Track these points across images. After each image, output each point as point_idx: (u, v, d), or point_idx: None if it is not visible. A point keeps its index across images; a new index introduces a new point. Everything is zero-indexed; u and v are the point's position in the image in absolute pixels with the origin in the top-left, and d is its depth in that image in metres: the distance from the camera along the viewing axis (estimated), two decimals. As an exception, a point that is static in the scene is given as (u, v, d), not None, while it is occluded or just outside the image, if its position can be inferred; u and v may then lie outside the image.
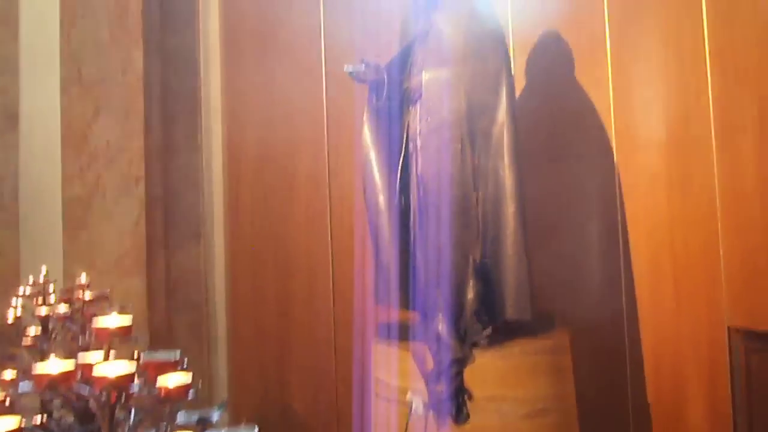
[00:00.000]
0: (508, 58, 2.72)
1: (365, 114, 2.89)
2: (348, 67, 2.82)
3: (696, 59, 2.81)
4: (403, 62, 2.86)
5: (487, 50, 2.65)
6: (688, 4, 2.86)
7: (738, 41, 2.64)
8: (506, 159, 2.59)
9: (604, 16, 3.23)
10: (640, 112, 3.12)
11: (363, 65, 2.80)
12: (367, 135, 2.87)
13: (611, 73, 3.21)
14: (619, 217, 3.20)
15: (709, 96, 2.76)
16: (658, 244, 3.05)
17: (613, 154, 3.21)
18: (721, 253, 2.77)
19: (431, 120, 2.67)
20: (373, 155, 2.85)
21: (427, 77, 2.69)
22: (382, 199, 2.79)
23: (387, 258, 2.77)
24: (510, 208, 2.59)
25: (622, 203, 3.19)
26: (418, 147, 2.73)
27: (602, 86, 3.24)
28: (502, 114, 2.60)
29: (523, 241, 2.57)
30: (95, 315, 1.72)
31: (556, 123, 3.36)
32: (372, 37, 3.72)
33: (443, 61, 2.67)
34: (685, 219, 2.93)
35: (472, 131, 2.62)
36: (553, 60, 3.35)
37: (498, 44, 2.68)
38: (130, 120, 3.36)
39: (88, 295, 2.41)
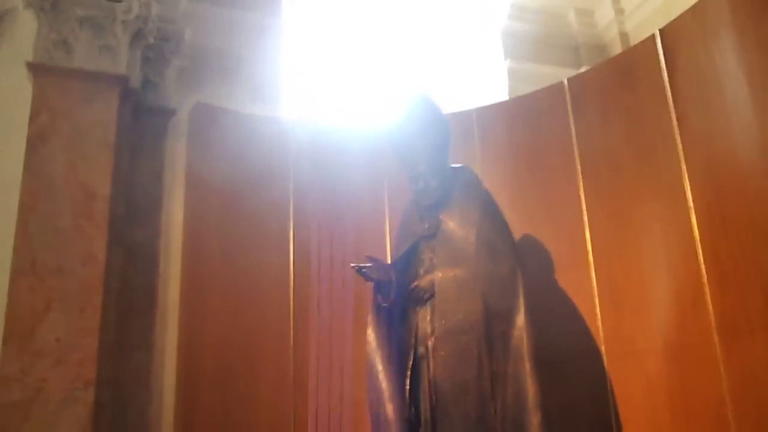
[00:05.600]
0: (520, 259, 2.70)
1: (370, 315, 2.73)
2: (355, 265, 2.69)
3: (688, 264, 2.91)
4: (407, 262, 2.78)
5: (500, 251, 2.64)
6: (676, 209, 2.99)
7: (734, 244, 2.77)
8: (527, 365, 2.47)
9: (584, 224, 3.36)
10: (629, 318, 3.14)
11: (370, 263, 2.69)
12: (372, 338, 2.68)
13: (596, 279, 3.27)
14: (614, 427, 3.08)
15: (707, 300, 2.81)
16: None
17: (603, 359, 3.17)
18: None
19: (446, 322, 2.54)
20: (378, 360, 2.64)
21: (441, 277, 2.60)
22: (390, 408, 2.53)
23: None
24: (535, 419, 2.42)
25: (616, 409, 3.08)
26: (431, 350, 2.56)
27: (586, 291, 3.28)
28: (521, 317, 2.53)
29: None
30: None
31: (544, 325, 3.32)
32: (341, 229, 3.70)
33: (456, 261, 2.62)
34: (690, 422, 2.84)
35: (490, 335, 2.51)
36: (537, 264, 3.39)
37: (510, 245, 2.68)
38: (85, 315, 2.96)
39: None
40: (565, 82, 3.59)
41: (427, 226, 2.75)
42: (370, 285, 2.86)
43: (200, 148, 3.75)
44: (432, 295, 2.61)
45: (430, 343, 2.56)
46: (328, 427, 3.24)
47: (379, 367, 2.62)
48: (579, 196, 3.41)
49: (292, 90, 4.33)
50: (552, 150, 3.55)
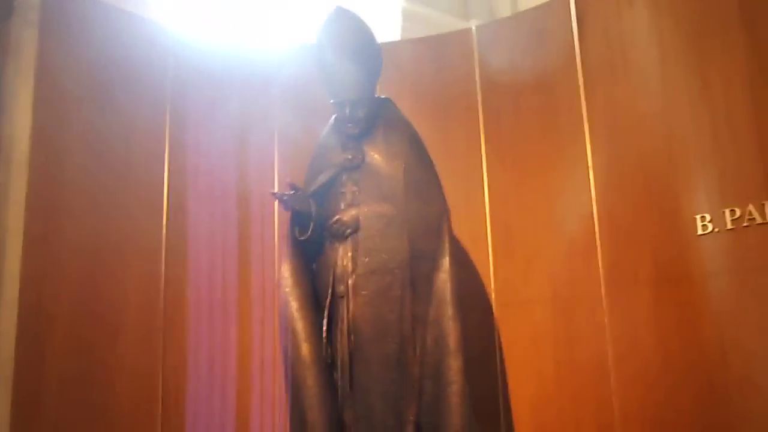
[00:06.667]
0: (446, 201, 2.59)
1: (287, 249, 2.47)
2: (275, 191, 2.41)
3: (583, 219, 3.02)
4: (326, 193, 2.55)
5: (428, 191, 2.51)
6: (575, 165, 3.07)
7: (628, 203, 2.93)
8: (450, 309, 2.38)
9: (482, 172, 3.34)
10: (520, 268, 3.20)
11: (292, 191, 2.42)
12: (288, 274, 2.44)
13: (490, 228, 3.29)
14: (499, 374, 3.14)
15: (598, 254, 2.95)
16: (544, 400, 3.04)
17: (492, 306, 3.20)
18: (615, 407, 2.84)
19: (370, 260, 2.37)
20: (293, 298, 2.41)
21: (366, 212, 2.42)
22: (307, 349, 2.32)
23: (313, 418, 2.27)
24: (455, 362, 2.34)
25: (501, 357, 3.14)
26: (351, 289, 2.38)
27: (480, 239, 3.28)
28: (446, 260, 2.43)
29: (470, 401, 2.33)
30: None
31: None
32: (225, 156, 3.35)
33: (383, 196, 2.44)
34: (573, 371, 2.98)
35: (414, 276, 2.38)
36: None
37: (438, 185, 2.56)
38: None
39: None
40: (473, 29, 3.52)
41: (350, 156, 2.53)
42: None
43: (56, 41, 3.13)
44: (355, 231, 2.42)
45: (350, 282, 2.38)
46: (209, 377, 2.93)
47: (295, 305, 2.38)
48: (479, 145, 3.38)
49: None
50: (456, 96, 3.46)
